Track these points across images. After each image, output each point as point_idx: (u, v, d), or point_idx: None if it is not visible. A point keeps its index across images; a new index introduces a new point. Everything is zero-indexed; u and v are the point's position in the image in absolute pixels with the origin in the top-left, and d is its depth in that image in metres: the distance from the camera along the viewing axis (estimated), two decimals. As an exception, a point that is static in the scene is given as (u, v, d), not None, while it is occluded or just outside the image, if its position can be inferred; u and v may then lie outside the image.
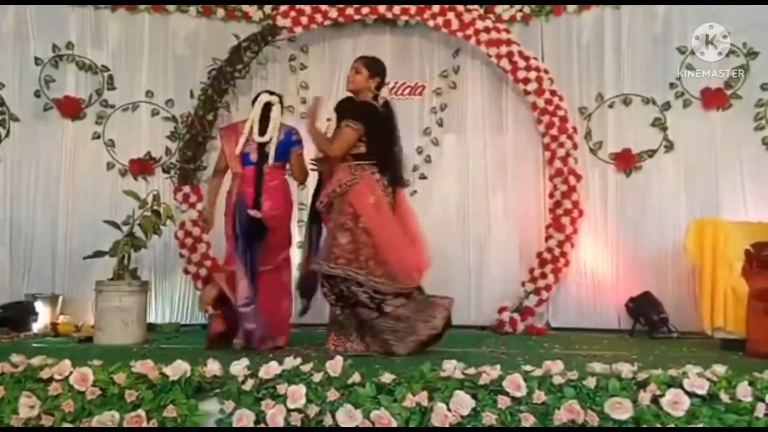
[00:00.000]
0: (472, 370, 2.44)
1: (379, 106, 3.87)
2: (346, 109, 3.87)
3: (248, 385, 2.41)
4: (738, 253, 4.01)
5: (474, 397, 2.32)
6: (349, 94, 3.96)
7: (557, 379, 2.38)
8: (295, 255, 4.59)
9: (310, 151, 4.17)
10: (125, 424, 2.31)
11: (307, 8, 5.45)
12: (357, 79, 3.85)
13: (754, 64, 5.09)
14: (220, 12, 5.61)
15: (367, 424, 2.27)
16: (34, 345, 4.12)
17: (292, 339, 4.09)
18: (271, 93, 4.21)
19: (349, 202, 3.69)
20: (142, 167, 5.46)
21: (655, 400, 2.31)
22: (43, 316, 4.98)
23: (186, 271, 5.36)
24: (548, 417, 2.28)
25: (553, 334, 5.00)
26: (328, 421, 2.29)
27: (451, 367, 2.45)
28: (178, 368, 2.46)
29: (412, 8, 5.42)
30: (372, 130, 3.75)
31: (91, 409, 2.36)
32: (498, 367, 2.45)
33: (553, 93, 5.31)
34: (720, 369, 2.47)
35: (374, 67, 3.90)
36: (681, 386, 2.34)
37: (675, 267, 4.96)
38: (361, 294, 3.61)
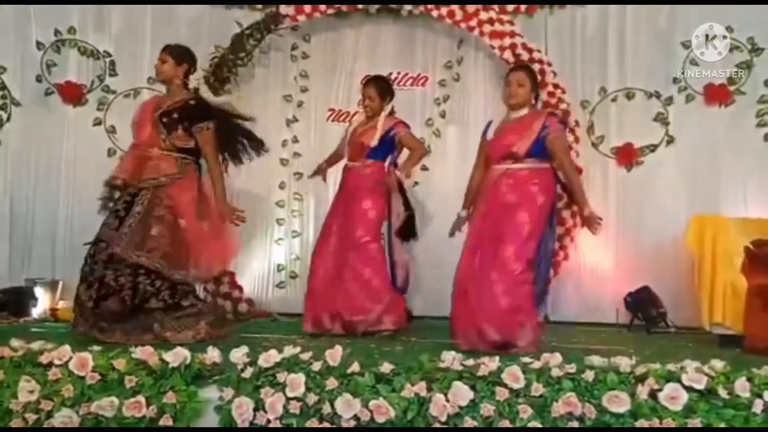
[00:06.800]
0: (471, 362, 2.46)
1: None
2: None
3: (248, 372, 2.42)
4: (738, 249, 4.01)
5: (472, 388, 2.34)
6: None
7: (555, 372, 2.39)
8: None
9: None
10: (124, 410, 2.33)
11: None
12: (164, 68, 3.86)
13: (759, 60, 5.07)
14: (224, -3, 5.56)
15: (366, 413, 2.28)
16: (34, 330, 4.12)
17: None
18: None
19: (168, 194, 3.70)
20: (143, 154, 5.43)
21: (652, 394, 2.33)
22: (43, 301, 4.97)
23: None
24: (546, 409, 2.30)
25: (552, 327, 5.00)
26: (326, 409, 2.31)
27: (450, 358, 2.46)
28: (178, 355, 2.48)
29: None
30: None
31: (91, 394, 2.38)
32: (497, 358, 2.46)
33: (555, 86, 5.26)
34: (718, 364, 2.48)
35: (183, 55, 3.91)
36: (679, 381, 2.35)
37: (674, 262, 4.95)
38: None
